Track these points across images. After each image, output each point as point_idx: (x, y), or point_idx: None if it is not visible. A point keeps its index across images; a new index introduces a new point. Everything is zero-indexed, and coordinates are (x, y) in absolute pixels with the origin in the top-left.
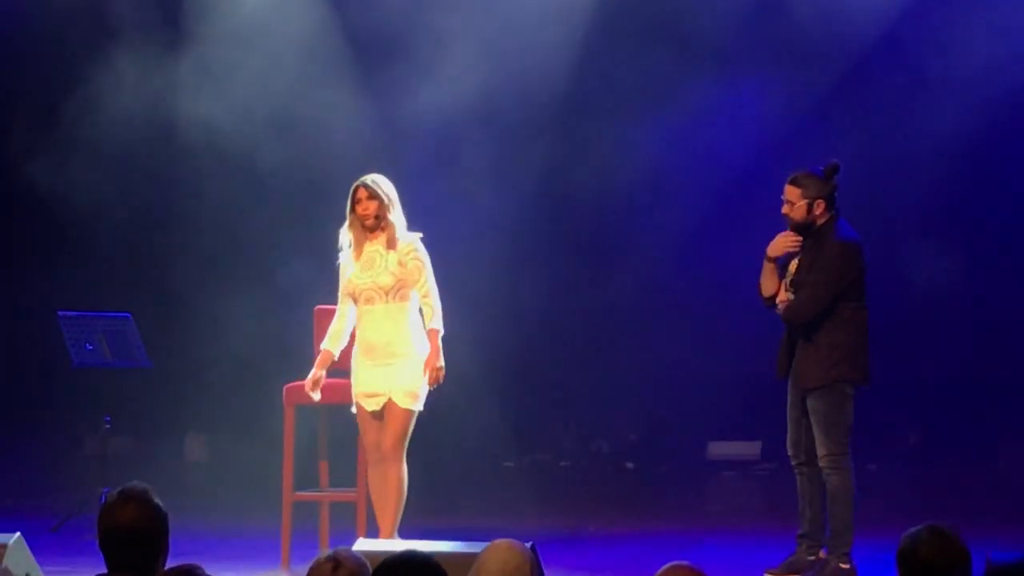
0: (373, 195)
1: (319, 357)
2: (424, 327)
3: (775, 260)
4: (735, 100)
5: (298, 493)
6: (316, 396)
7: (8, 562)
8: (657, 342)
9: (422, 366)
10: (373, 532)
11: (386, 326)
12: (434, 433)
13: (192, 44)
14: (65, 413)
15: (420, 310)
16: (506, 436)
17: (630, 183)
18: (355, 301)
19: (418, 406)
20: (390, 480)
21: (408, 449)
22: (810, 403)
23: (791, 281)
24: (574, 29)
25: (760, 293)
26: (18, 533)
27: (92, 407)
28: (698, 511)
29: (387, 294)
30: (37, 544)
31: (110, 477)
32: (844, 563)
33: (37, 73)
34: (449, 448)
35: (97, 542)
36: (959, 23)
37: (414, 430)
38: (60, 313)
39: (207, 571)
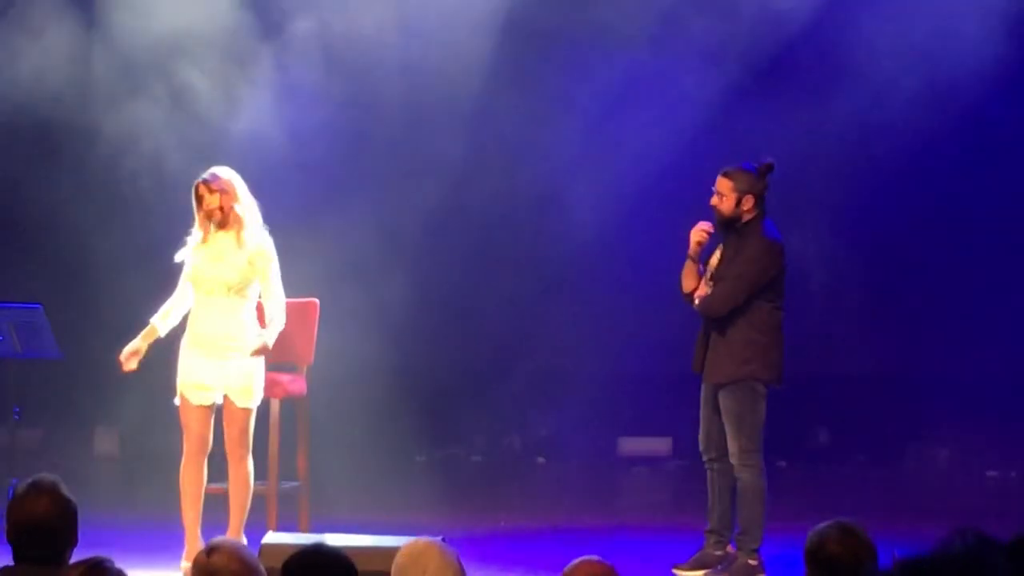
0: (214, 189)
1: (145, 329)
2: (262, 322)
3: (697, 259)
4: (651, 95)
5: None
6: (132, 365)
7: None
8: (569, 338)
9: (254, 362)
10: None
11: (223, 320)
12: (346, 428)
13: (101, 29)
14: None
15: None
16: (418, 431)
17: (542, 178)
18: (195, 288)
19: (256, 402)
20: (237, 479)
21: (316, 443)
22: (722, 399)
23: (712, 275)
24: (485, 22)
25: (680, 289)
26: None
27: (0, 398)
28: (609, 506)
29: (229, 290)
30: None
31: (18, 469)
32: (752, 559)
33: None
34: (361, 443)
35: (4, 534)
36: (881, 16)
37: (334, 425)
38: None
39: (115, 564)
